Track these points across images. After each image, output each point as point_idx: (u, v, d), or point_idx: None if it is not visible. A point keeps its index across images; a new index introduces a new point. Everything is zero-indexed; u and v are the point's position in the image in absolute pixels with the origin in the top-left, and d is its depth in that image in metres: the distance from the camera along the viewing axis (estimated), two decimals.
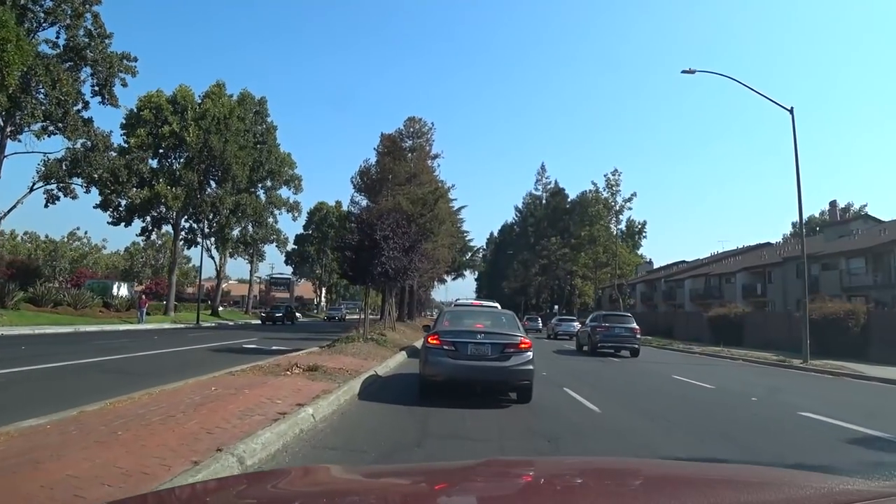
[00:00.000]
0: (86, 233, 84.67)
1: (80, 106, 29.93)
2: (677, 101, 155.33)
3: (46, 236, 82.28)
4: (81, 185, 31.05)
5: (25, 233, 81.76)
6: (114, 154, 31.15)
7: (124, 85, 29.87)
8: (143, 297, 35.05)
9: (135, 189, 34.73)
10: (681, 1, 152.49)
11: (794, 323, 28.01)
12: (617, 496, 1.86)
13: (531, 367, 8.81)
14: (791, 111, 21.71)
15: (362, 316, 18.19)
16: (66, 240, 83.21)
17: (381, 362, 13.19)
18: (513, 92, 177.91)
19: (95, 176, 31.10)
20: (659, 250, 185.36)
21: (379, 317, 31.28)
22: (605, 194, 42.80)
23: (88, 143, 28.88)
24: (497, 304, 19.57)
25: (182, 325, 38.98)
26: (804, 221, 75.54)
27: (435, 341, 8.94)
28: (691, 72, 21.65)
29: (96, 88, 29.60)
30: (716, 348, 27.56)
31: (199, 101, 44.92)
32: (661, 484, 1.99)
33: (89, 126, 29.42)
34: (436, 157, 35.78)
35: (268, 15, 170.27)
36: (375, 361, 13.16)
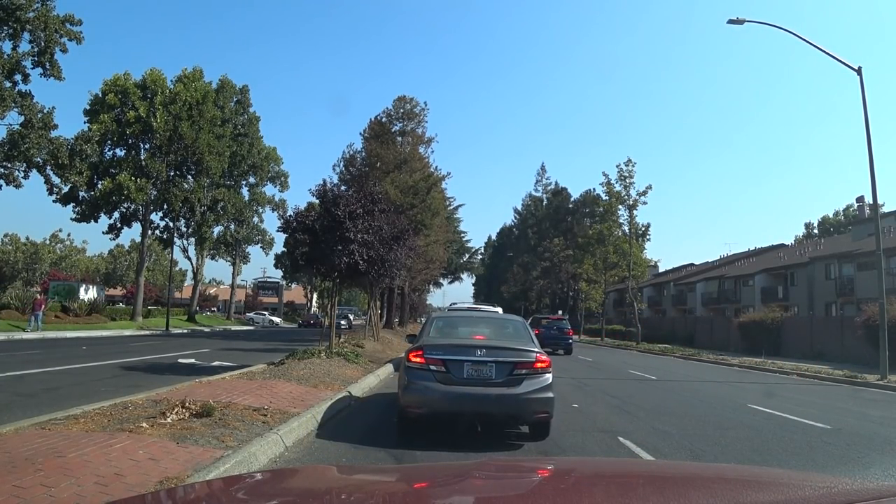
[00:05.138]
0: (68, 235, 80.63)
1: (18, 77, 25.83)
2: (681, 103, 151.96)
3: (27, 238, 78.16)
4: (21, 171, 26.83)
5: (6, 234, 77.59)
6: (59, 135, 26.83)
7: (64, 51, 25.70)
8: (39, 297, 28.53)
9: (80, 176, 30.26)
10: (681, 4, 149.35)
11: (852, 329, 24.06)
12: (616, 496, 1.82)
13: (552, 394, 6.49)
14: (859, 71, 17.86)
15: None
16: (47, 242, 79.40)
17: (340, 389, 9.06)
18: (509, 95, 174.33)
19: (38, 159, 26.87)
20: (662, 254, 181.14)
21: (364, 322, 27.14)
22: (617, 187, 38.64)
23: (23, 118, 24.60)
24: (499, 309, 16.52)
25: (146, 332, 34.98)
26: (819, 221, 71.40)
27: (418, 359, 6.48)
28: (739, 22, 17.71)
29: (35, 58, 25.45)
30: (755, 359, 23.48)
31: (172, 86, 40.83)
32: (662, 484, 1.95)
33: (26, 99, 25.21)
34: (429, 141, 31.58)
35: (262, 18, 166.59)
36: (331, 389, 9.02)
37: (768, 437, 7.72)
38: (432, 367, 6.35)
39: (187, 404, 6.27)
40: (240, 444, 5.03)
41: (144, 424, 5.39)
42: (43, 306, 27.40)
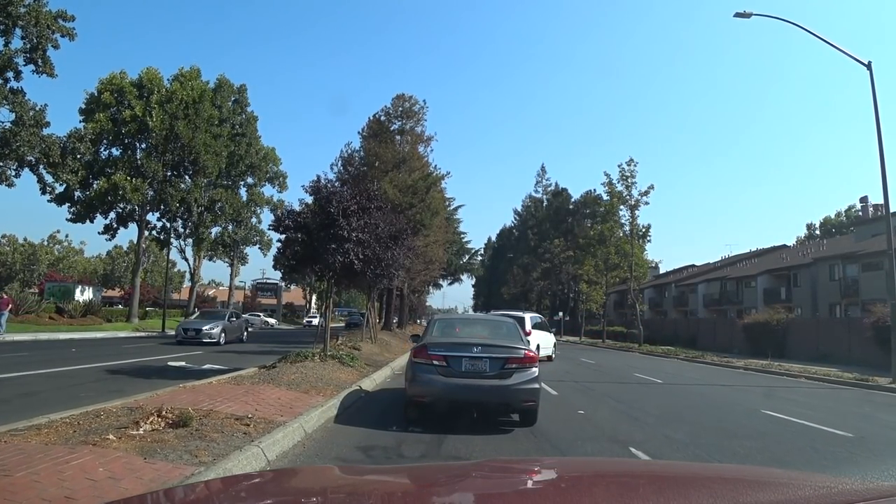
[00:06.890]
0: (66, 236, 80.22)
1: (10, 74, 25.38)
2: (682, 103, 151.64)
3: (25, 239, 77.77)
4: (12, 169, 26.34)
5: (3, 235, 77.15)
6: (51, 133, 26.36)
7: (56, 47, 25.26)
8: (5, 296, 26.19)
9: (74, 175, 29.76)
10: (682, 4, 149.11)
11: (859, 331, 23.57)
12: (617, 496, 1.82)
13: (537, 385, 7.42)
14: (869, 66, 17.41)
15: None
16: (45, 243, 78.98)
17: (332, 396, 8.57)
18: (509, 96, 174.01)
19: (30, 158, 26.39)
20: (663, 255, 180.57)
21: (362, 325, 26.65)
22: (619, 187, 38.13)
23: (14, 115, 24.13)
24: (528, 315, 17.69)
25: (142, 334, 34.44)
26: (821, 222, 70.93)
27: (422, 355, 7.45)
28: (746, 15, 17.26)
29: (27, 55, 24.98)
30: (761, 362, 22.97)
31: (168, 85, 40.37)
32: (661, 484, 1.95)
33: (18, 96, 24.73)
34: (429, 140, 31.04)
35: (261, 18, 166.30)
36: (323, 395, 8.53)
37: (788, 446, 7.23)
38: (435, 362, 7.25)
39: (164, 413, 5.78)
40: (215, 459, 4.53)
41: (111, 436, 4.90)
42: (9, 306, 25.35)
